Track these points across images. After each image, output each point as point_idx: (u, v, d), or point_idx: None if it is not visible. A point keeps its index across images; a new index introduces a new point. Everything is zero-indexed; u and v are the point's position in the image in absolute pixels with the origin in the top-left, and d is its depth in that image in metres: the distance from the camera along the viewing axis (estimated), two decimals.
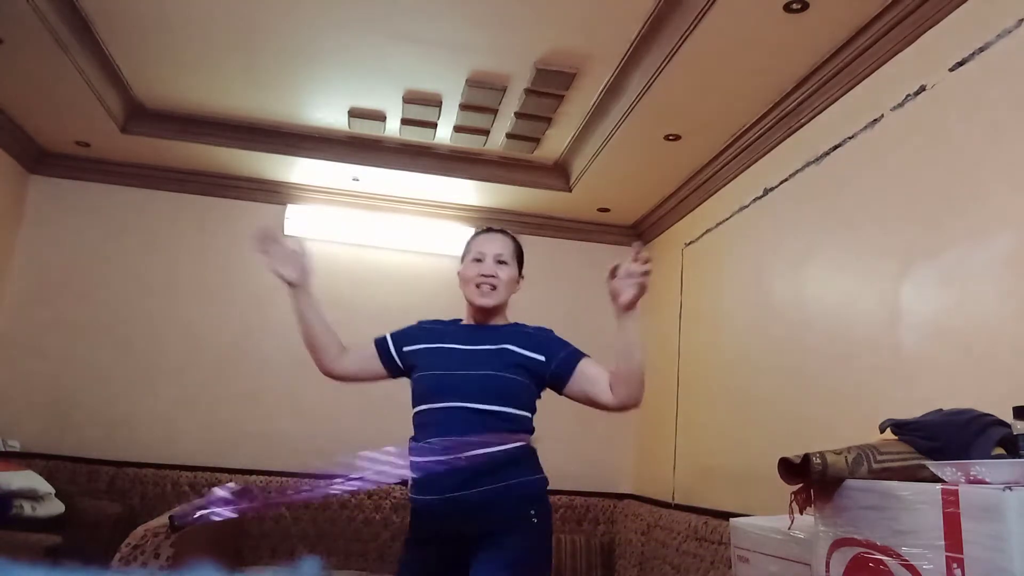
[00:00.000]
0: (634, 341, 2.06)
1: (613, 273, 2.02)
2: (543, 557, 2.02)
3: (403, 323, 2.24)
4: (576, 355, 2.13)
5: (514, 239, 2.25)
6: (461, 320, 2.24)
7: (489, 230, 2.27)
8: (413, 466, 1.98)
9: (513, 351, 2.08)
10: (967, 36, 2.34)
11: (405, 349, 2.16)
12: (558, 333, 2.25)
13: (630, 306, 2.01)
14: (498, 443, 1.93)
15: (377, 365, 2.17)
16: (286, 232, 4.82)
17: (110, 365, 4.55)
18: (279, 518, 4.44)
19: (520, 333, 2.15)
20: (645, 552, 4.20)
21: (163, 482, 4.37)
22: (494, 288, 2.12)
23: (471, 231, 4.91)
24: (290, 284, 2.30)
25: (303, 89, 3.82)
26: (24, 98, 3.94)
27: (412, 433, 2.05)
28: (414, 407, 2.08)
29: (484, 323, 2.17)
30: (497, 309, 2.17)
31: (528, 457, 2.03)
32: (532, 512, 1.97)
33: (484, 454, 1.91)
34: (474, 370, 2.03)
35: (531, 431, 2.06)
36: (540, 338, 2.14)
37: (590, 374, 2.11)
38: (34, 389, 4.44)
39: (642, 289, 1.96)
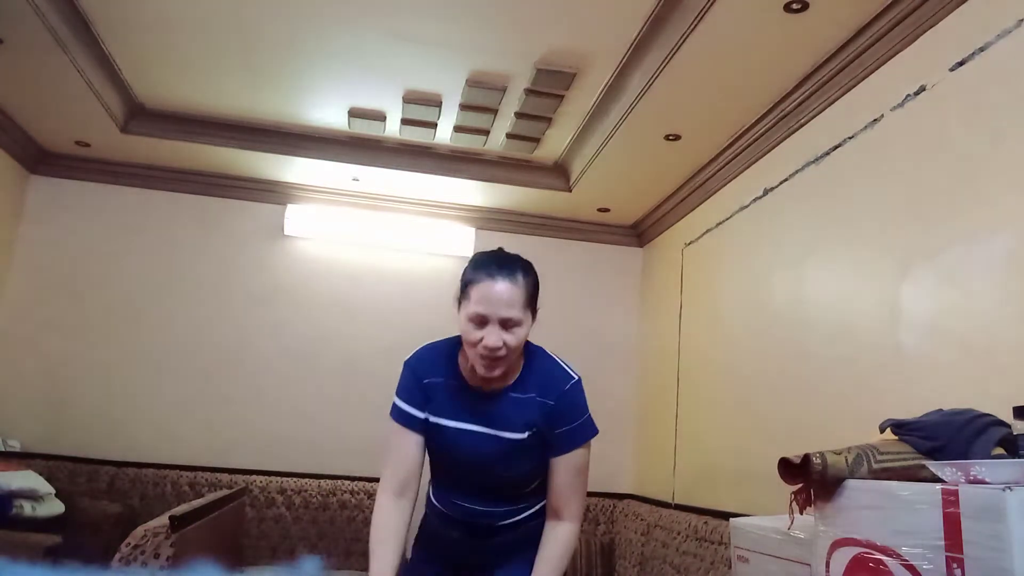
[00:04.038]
0: None
1: None
2: None
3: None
4: (569, 444, 1.81)
5: (526, 274, 1.76)
6: (459, 350, 1.85)
7: (495, 268, 1.73)
8: (434, 507, 1.98)
9: (531, 441, 1.79)
10: (967, 36, 2.34)
11: (429, 419, 1.85)
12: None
13: None
14: (522, 511, 1.90)
15: (420, 445, 1.85)
16: (286, 232, 4.83)
17: (110, 365, 4.55)
18: (279, 518, 4.45)
19: (535, 406, 1.79)
20: (645, 552, 4.20)
21: (163, 482, 4.37)
22: (501, 360, 1.72)
23: (471, 231, 5.02)
24: None
25: (303, 89, 3.82)
26: (24, 98, 3.95)
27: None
28: (433, 469, 1.96)
29: (496, 385, 1.82)
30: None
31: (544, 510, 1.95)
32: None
33: (509, 523, 1.89)
34: (494, 469, 1.81)
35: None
36: (548, 411, 1.80)
37: (558, 481, 1.81)
38: (34, 389, 4.44)
39: None
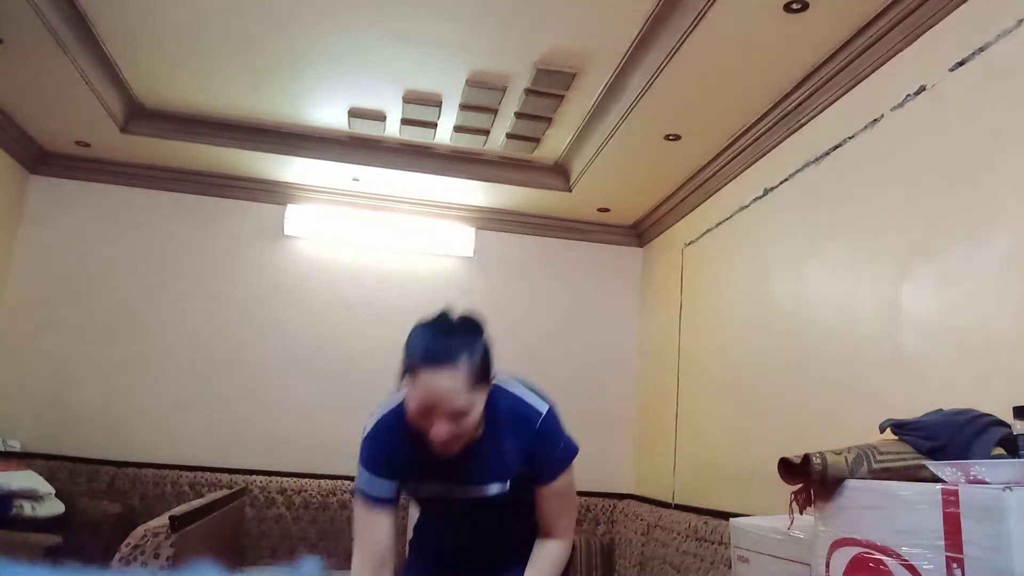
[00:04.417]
0: None
1: None
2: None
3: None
4: (551, 471, 1.72)
5: (471, 351, 1.54)
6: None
7: (433, 352, 1.51)
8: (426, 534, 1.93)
9: (518, 483, 1.70)
10: (967, 36, 2.34)
11: (403, 486, 1.72)
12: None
13: None
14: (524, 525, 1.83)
15: (392, 524, 1.70)
16: (286, 232, 4.83)
17: (110, 365, 4.55)
18: (279, 518, 4.45)
19: (508, 451, 1.67)
20: (645, 552, 4.20)
21: (163, 482, 4.37)
22: (454, 444, 1.55)
23: (471, 231, 5.02)
24: None
25: (303, 89, 3.82)
26: (24, 98, 3.94)
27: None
28: (418, 535, 1.92)
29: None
30: None
31: None
32: None
33: (514, 538, 1.83)
34: (489, 522, 1.75)
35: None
36: (526, 447, 1.68)
37: (546, 508, 1.74)
38: (34, 389, 4.44)
39: None
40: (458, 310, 1.63)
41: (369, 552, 1.65)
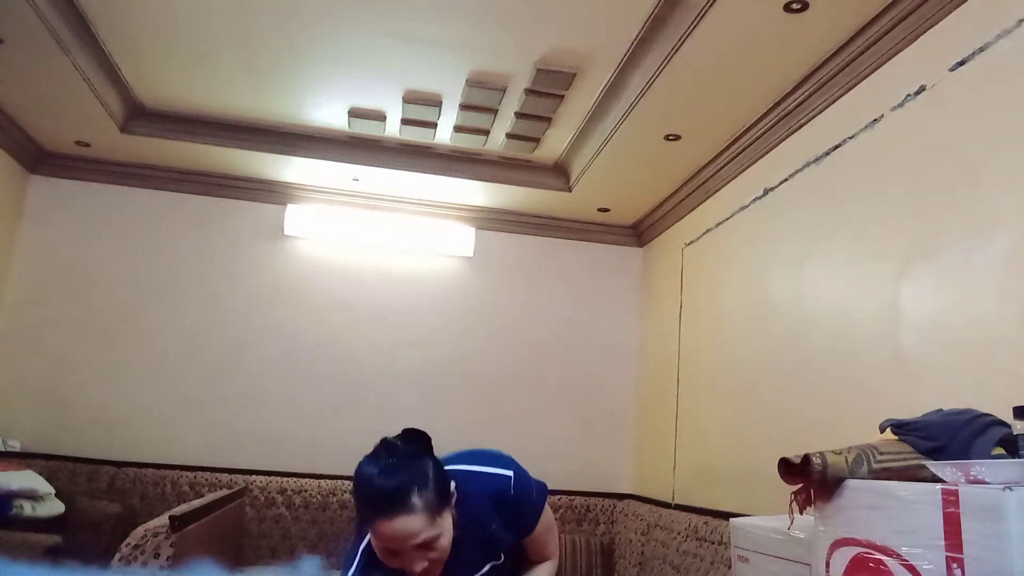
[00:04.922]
0: None
1: None
2: None
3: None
4: (528, 525, 1.72)
5: (420, 487, 1.46)
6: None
7: (381, 504, 1.45)
8: None
9: (506, 549, 1.71)
10: (967, 36, 2.34)
11: None
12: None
13: None
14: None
15: None
16: (286, 232, 4.83)
17: (110, 365, 4.55)
18: (279, 518, 4.45)
19: (500, 531, 1.67)
20: (645, 552, 4.20)
21: (163, 482, 4.37)
22: (435, 571, 1.50)
23: (471, 231, 5.02)
24: None
25: (303, 89, 3.82)
26: (24, 98, 3.95)
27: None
28: None
29: None
30: None
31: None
32: None
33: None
34: None
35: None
36: (513, 512, 1.68)
37: (533, 547, 1.77)
38: (34, 389, 4.44)
39: None
40: (395, 437, 1.56)
41: None
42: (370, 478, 1.46)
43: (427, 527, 1.45)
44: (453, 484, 1.56)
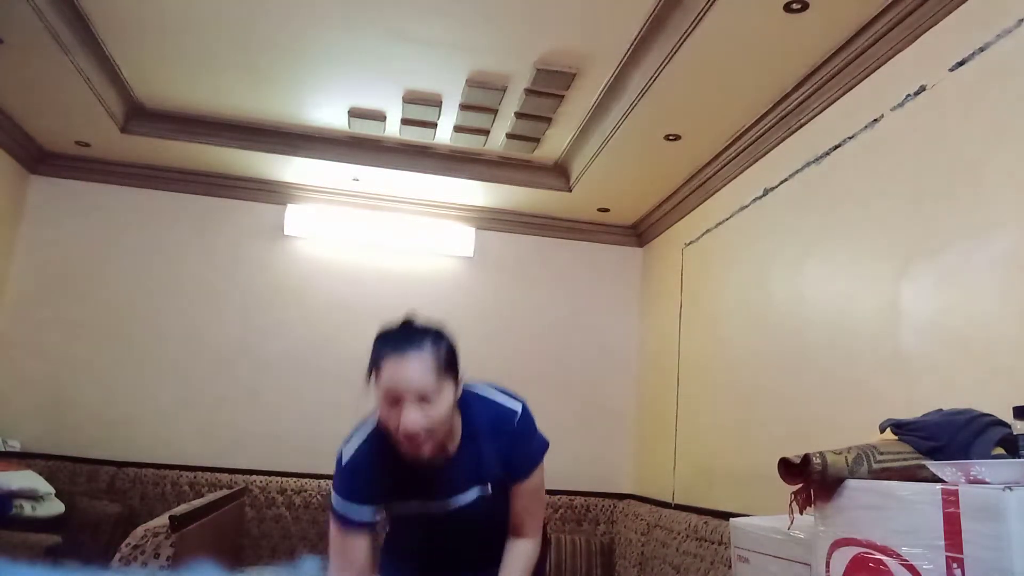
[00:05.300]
0: None
1: None
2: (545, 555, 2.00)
3: None
4: (525, 468, 1.73)
5: (437, 343, 1.58)
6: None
7: (399, 340, 1.57)
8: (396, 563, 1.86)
9: (500, 486, 1.71)
10: (967, 36, 2.34)
11: (383, 509, 1.72)
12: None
13: None
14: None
15: (369, 547, 1.69)
16: (286, 232, 4.83)
17: (110, 365, 4.55)
18: (279, 518, 4.45)
19: (488, 456, 1.68)
20: (645, 552, 4.20)
21: (163, 482, 4.37)
22: (425, 441, 1.54)
23: (471, 231, 5.02)
24: None
25: (303, 89, 3.82)
26: (24, 98, 3.95)
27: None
28: (391, 542, 1.87)
29: (441, 454, 1.64)
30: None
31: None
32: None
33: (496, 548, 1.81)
34: (473, 534, 1.75)
35: None
36: (504, 446, 1.70)
37: (518, 506, 1.75)
38: (34, 389, 4.44)
39: None
40: (420, 316, 1.66)
41: (347, 573, 1.64)
42: (393, 322, 1.62)
43: (432, 377, 1.53)
44: (461, 389, 1.64)
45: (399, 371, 1.53)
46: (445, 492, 1.68)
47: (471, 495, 1.69)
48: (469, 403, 1.68)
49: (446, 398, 1.56)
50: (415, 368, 1.52)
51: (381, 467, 1.64)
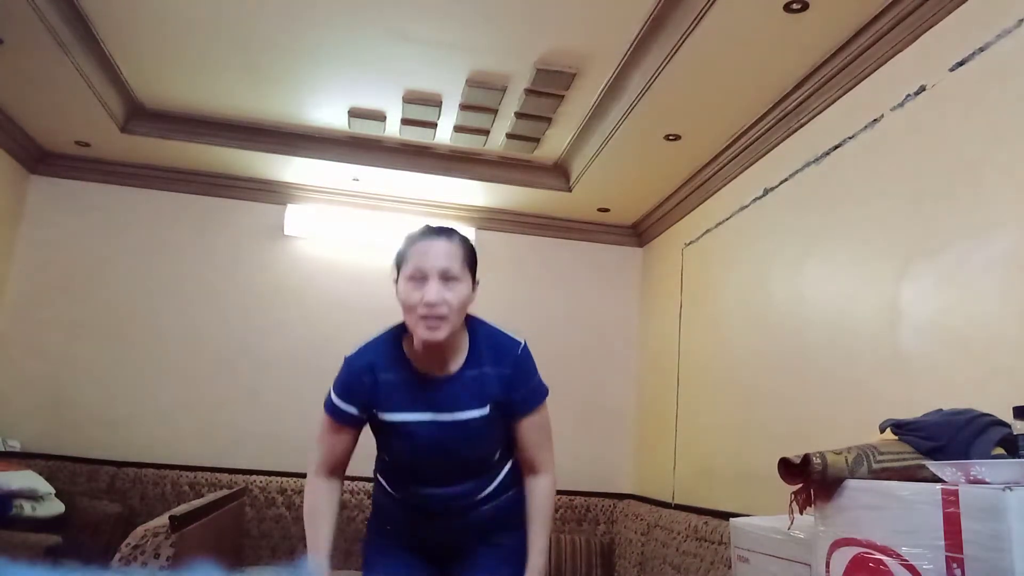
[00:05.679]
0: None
1: None
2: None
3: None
4: (529, 404, 1.84)
5: (462, 239, 1.77)
6: (403, 337, 1.80)
7: (429, 231, 1.76)
8: (392, 497, 1.89)
9: (494, 413, 1.78)
10: (967, 36, 2.34)
11: (372, 414, 1.82)
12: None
13: None
14: (490, 483, 1.87)
15: (353, 440, 1.85)
16: (286, 232, 4.83)
17: (110, 365, 4.55)
18: (279, 518, 4.45)
19: (491, 379, 1.78)
20: (645, 552, 4.20)
21: (163, 482, 4.37)
22: (443, 318, 1.67)
23: (471, 231, 5.01)
24: None
25: (303, 89, 3.82)
26: (24, 98, 3.94)
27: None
28: (385, 466, 1.90)
29: (441, 358, 1.77)
30: (450, 338, 1.73)
31: (515, 477, 1.93)
32: (518, 520, 1.92)
33: (481, 496, 1.85)
34: (462, 454, 1.79)
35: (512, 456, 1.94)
36: (507, 380, 1.80)
37: (528, 440, 1.86)
38: (34, 389, 4.44)
39: None
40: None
41: (329, 458, 1.84)
42: (430, 227, 1.78)
43: (457, 262, 1.70)
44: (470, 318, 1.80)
45: (428, 251, 1.69)
46: (446, 406, 1.75)
47: (470, 412, 1.76)
48: (476, 329, 1.81)
49: (465, 288, 1.71)
50: (442, 249, 1.70)
51: (384, 366, 1.77)
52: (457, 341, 1.76)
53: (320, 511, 1.83)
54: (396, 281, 1.75)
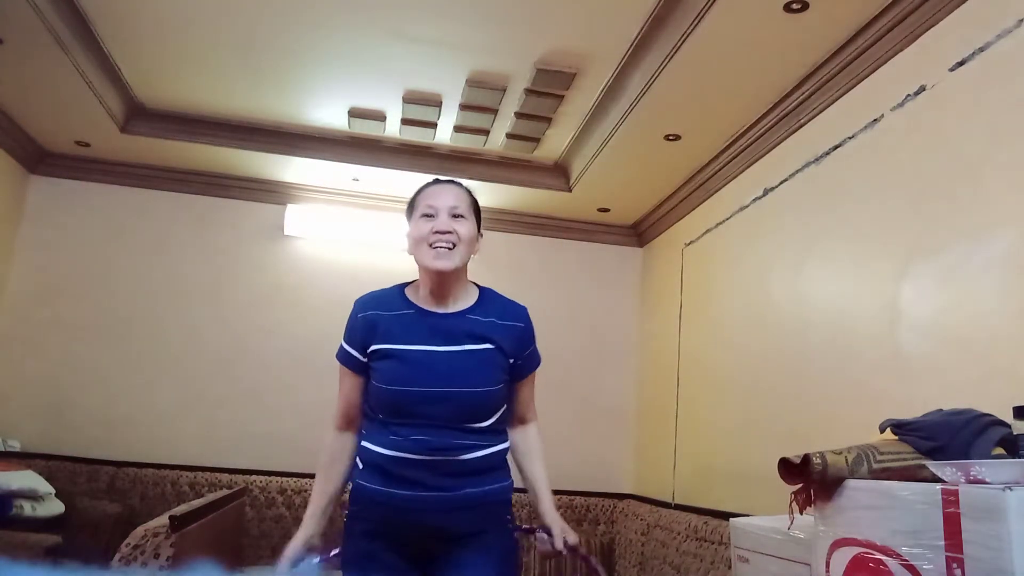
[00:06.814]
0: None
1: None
2: (517, 561, 1.99)
3: None
4: (534, 364, 1.97)
5: (469, 191, 1.93)
6: (406, 288, 1.93)
7: (438, 181, 1.93)
8: (380, 455, 1.83)
9: (496, 355, 1.83)
10: (967, 36, 2.34)
11: (371, 349, 1.85)
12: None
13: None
14: (484, 447, 1.83)
15: (361, 386, 1.91)
16: (286, 232, 4.83)
17: (110, 365, 4.55)
18: (279, 518, 4.45)
19: (499, 327, 1.86)
20: (645, 552, 4.20)
21: (163, 482, 4.37)
22: (453, 247, 1.80)
23: None
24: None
25: (303, 89, 3.82)
26: (24, 98, 3.95)
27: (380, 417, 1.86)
28: (379, 405, 1.85)
29: (447, 297, 1.86)
30: (458, 273, 1.84)
31: (505, 460, 1.91)
32: (508, 516, 1.88)
33: (471, 458, 1.80)
34: (458, 386, 1.78)
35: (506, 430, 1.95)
36: (518, 334, 1.89)
37: (524, 395, 1.97)
38: (34, 389, 4.44)
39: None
40: None
41: (344, 408, 1.96)
42: (439, 178, 1.96)
43: (465, 204, 1.87)
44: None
45: (439, 192, 1.87)
46: (442, 338, 1.83)
47: (467, 346, 1.83)
48: (484, 289, 1.95)
49: (472, 226, 1.86)
50: (452, 190, 1.88)
51: (387, 305, 1.89)
52: (464, 284, 1.89)
53: (325, 464, 1.98)
54: (408, 224, 1.90)
